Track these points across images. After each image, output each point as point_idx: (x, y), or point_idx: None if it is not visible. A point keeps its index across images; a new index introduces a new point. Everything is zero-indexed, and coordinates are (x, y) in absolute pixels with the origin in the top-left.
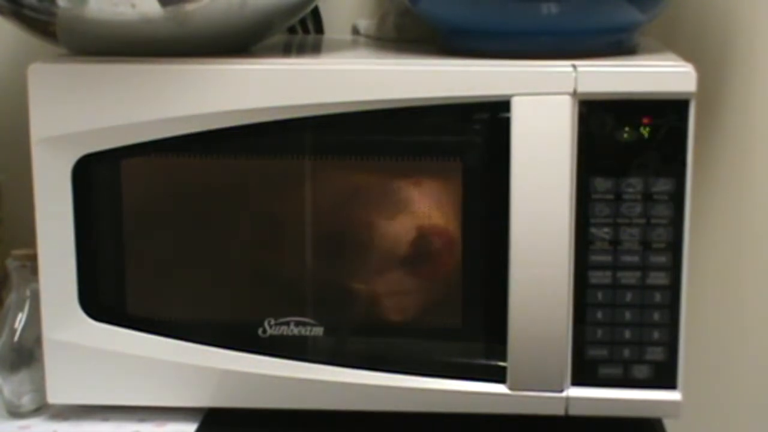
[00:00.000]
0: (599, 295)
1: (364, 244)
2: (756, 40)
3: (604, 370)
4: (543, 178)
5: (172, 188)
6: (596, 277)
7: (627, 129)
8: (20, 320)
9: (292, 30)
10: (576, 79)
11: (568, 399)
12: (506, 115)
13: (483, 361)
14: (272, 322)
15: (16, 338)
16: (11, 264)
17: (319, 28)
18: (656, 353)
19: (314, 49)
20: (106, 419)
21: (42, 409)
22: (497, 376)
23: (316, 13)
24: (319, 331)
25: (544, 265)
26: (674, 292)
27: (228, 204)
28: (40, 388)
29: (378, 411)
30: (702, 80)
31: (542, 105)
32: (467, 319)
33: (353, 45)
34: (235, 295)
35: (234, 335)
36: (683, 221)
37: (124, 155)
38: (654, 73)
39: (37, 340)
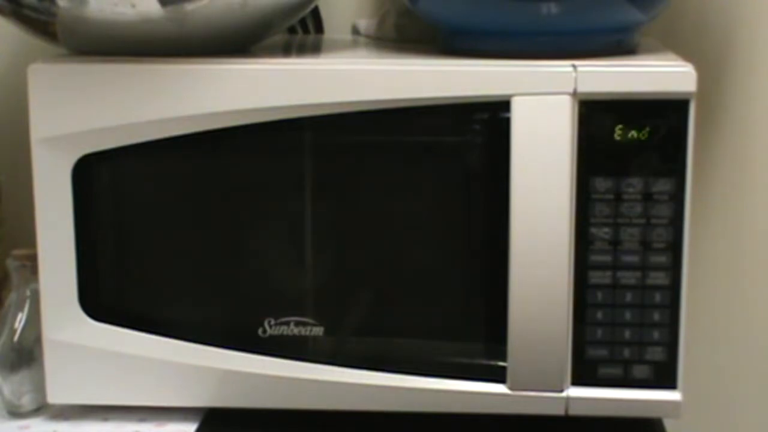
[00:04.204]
0: (599, 295)
1: (364, 243)
2: (756, 40)
3: (604, 370)
4: (543, 178)
5: (172, 188)
6: (596, 277)
7: (627, 129)
8: (20, 320)
9: (292, 30)
10: (576, 79)
11: (568, 399)
12: (506, 115)
13: (483, 361)
14: (272, 322)
15: (16, 338)
16: (11, 264)
17: (319, 28)
18: (656, 353)
19: (314, 49)
20: (106, 419)
21: (42, 409)
22: (497, 376)
23: (316, 13)
24: (319, 331)
25: (544, 265)
26: (674, 292)
27: (228, 204)
28: (40, 388)
29: (378, 411)
30: (702, 80)
31: (542, 105)
32: (467, 319)
33: (353, 45)
34: (235, 295)
35: (234, 335)
36: (683, 221)
37: (124, 155)
38: (654, 73)
39: (37, 340)
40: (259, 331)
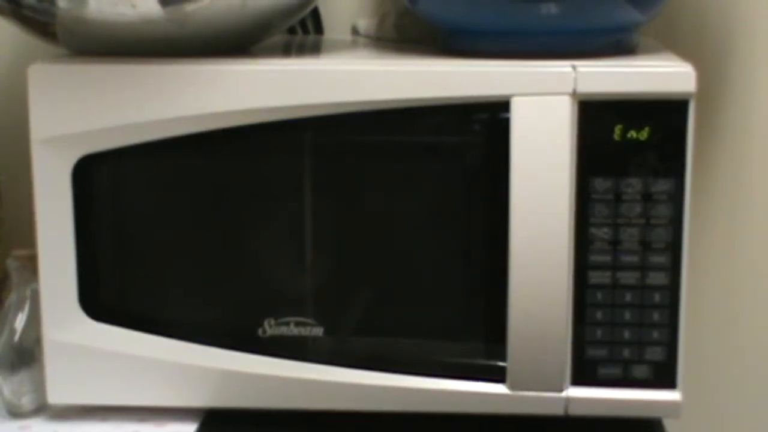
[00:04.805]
0: (599, 295)
1: (364, 244)
2: (755, 40)
3: (603, 370)
4: (542, 179)
5: (171, 188)
6: (596, 277)
7: (626, 129)
8: (20, 320)
9: (291, 30)
10: (575, 79)
11: (567, 399)
12: (506, 115)
13: (483, 361)
14: (272, 322)
15: (16, 338)
16: (11, 264)
17: (319, 29)
18: (656, 353)
19: (314, 49)
20: (105, 419)
21: (42, 409)
22: (497, 376)
23: (315, 14)
24: (318, 331)
25: (543, 266)
26: (674, 292)
27: (228, 204)
28: (40, 389)
29: (378, 411)
30: (701, 80)
31: (542, 105)
32: (467, 319)
33: (353, 45)
34: (235, 295)
35: (234, 335)
36: (683, 221)
37: (124, 155)
38: (653, 73)
39: (37, 340)
40: (259, 331)
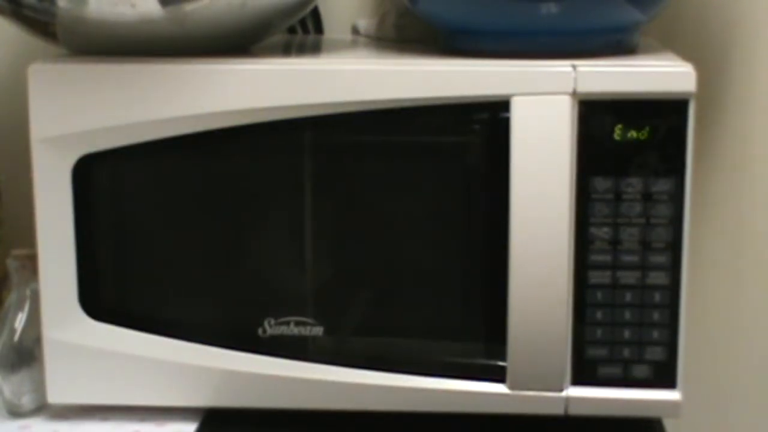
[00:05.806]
0: (599, 295)
1: (364, 243)
2: (756, 40)
3: (603, 370)
4: (543, 178)
5: (171, 188)
6: (596, 276)
7: (627, 129)
8: (20, 320)
9: (291, 30)
10: (575, 79)
11: (567, 399)
12: (506, 115)
13: (483, 361)
14: (272, 322)
15: (16, 338)
16: (11, 264)
17: (319, 28)
18: (656, 353)
19: (314, 49)
20: (105, 419)
21: (42, 408)
22: (497, 375)
23: (315, 13)
24: (318, 330)
25: (543, 265)
26: (674, 291)
27: (227, 204)
28: (40, 388)
29: (378, 411)
30: (702, 80)
31: (542, 105)
32: (467, 319)
33: (353, 45)
34: (235, 295)
35: (234, 335)
36: (683, 221)
37: (124, 155)
38: (654, 73)
39: (37, 340)
40: (259, 331)
